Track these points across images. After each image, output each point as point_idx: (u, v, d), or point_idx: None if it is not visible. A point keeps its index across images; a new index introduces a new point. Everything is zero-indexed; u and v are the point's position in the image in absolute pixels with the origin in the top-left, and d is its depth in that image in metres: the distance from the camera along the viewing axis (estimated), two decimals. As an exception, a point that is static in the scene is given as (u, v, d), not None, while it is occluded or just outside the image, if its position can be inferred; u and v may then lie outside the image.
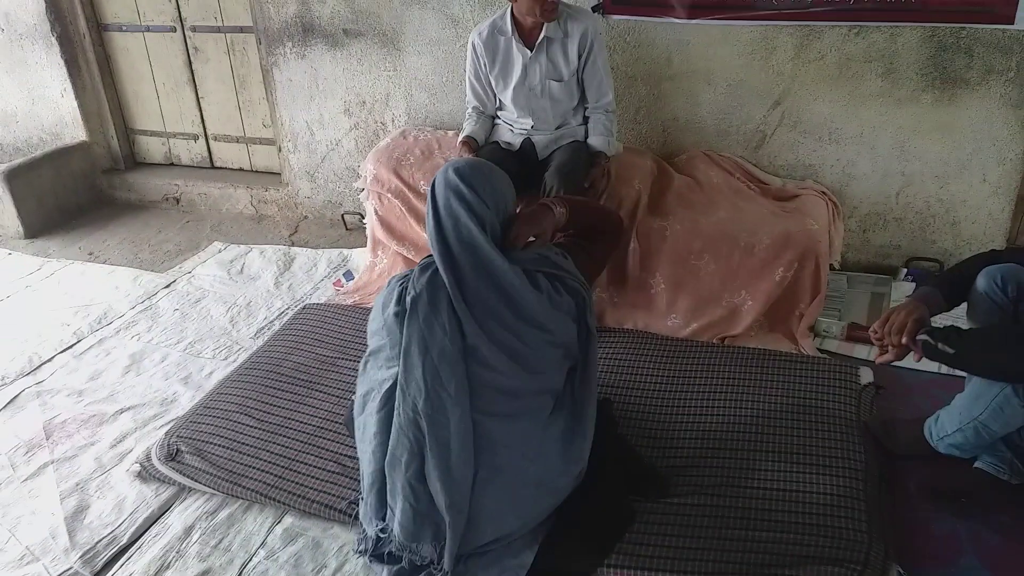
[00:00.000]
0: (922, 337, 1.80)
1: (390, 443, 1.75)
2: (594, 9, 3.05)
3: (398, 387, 1.73)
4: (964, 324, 1.91)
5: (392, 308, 1.76)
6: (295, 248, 3.75)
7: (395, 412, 1.74)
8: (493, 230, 1.77)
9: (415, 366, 1.70)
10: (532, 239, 1.89)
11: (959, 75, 2.78)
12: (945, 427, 1.99)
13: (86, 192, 4.43)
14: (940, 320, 1.89)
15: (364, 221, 3.51)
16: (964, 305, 1.95)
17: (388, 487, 1.77)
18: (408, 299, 1.73)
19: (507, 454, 1.74)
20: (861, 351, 2.64)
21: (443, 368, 1.69)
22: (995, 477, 1.98)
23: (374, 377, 1.82)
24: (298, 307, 3.17)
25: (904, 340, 1.82)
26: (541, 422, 1.79)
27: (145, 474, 2.30)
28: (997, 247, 2.90)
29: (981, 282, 1.88)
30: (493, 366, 1.72)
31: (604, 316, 2.88)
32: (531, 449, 1.77)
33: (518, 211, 1.92)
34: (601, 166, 2.77)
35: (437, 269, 1.74)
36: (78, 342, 3.06)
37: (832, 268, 2.85)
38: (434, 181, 1.78)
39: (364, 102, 3.71)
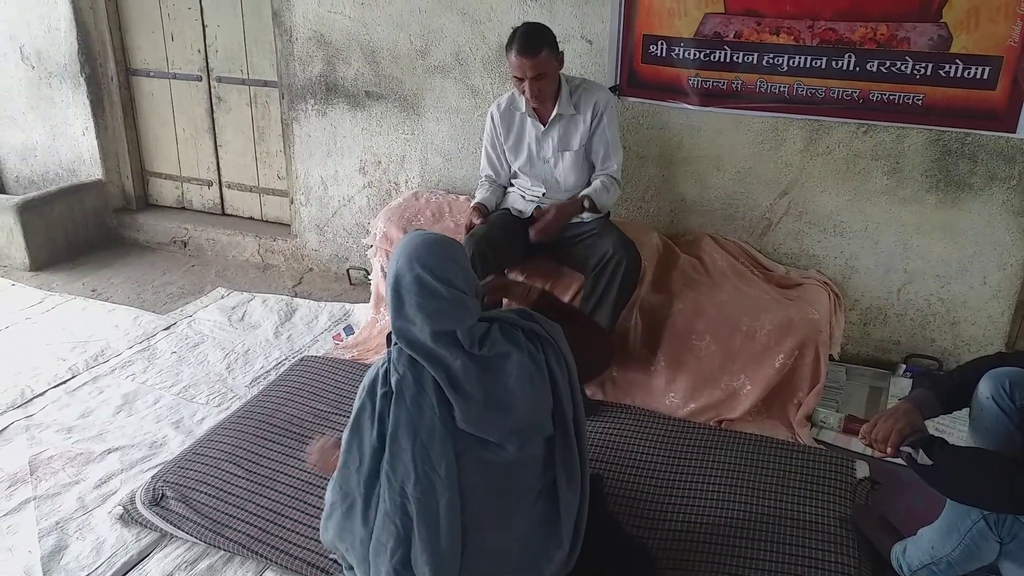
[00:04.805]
0: (905, 450, 1.75)
1: (374, 530, 1.68)
2: (612, 90, 3.14)
3: (383, 473, 1.65)
4: (965, 431, 1.88)
5: (380, 389, 1.67)
6: (298, 299, 3.77)
7: (380, 499, 1.66)
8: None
9: (403, 450, 1.62)
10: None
11: (963, 179, 2.85)
12: (912, 561, 1.92)
13: (96, 230, 4.47)
14: (943, 423, 1.84)
15: (369, 277, 3.54)
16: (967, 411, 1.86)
17: (372, 572, 1.70)
18: (393, 381, 1.64)
19: (493, 533, 1.68)
20: (858, 444, 2.57)
21: (433, 449, 1.62)
22: None
23: (353, 482, 1.72)
24: (296, 358, 3.17)
25: (889, 452, 1.78)
26: (528, 500, 1.72)
27: (127, 517, 2.26)
28: (996, 350, 2.91)
29: (985, 386, 1.79)
30: (485, 442, 1.66)
31: (604, 390, 2.87)
32: (516, 528, 1.71)
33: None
34: (573, 200, 2.78)
35: None
36: (72, 378, 3.04)
37: (832, 359, 2.85)
38: (398, 275, 1.64)
39: (380, 162, 3.79)
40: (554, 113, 2.76)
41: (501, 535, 1.70)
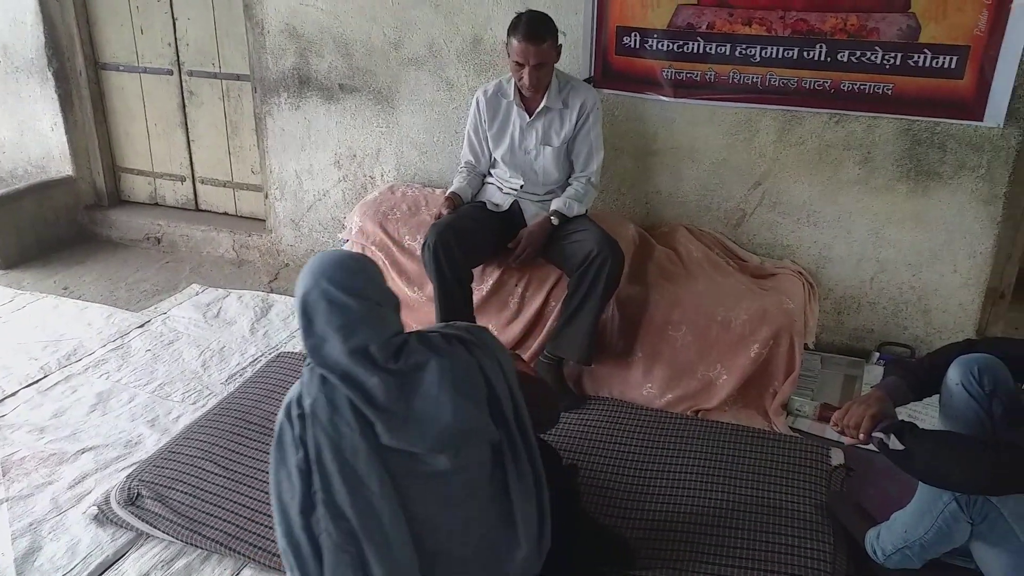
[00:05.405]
0: (877, 435, 1.77)
1: (326, 570, 1.59)
2: (587, 82, 3.14)
3: (320, 504, 1.58)
4: (936, 417, 1.91)
5: (295, 411, 1.60)
6: (274, 295, 3.74)
7: (325, 534, 1.58)
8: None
9: (332, 473, 1.56)
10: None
11: (933, 168, 2.88)
12: (886, 545, 1.94)
13: (67, 227, 4.40)
14: (915, 409, 1.87)
15: (346, 272, 3.51)
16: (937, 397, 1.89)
17: None
18: (306, 405, 1.58)
19: (450, 538, 1.65)
20: (832, 432, 2.62)
21: (359, 466, 1.56)
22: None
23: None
24: (272, 355, 3.15)
25: (861, 438, 1.80)
26: (481, 503, 1.69)
27: (103, 517, 2.23)
28: (967, 337, 2.95)
29: (955, 372, 1.82)
30: (414, 454, 1.61)
31: (581, 382, 2.88)
32: (473, 532, 1.67)
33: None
34: (541, 224, 2.78)
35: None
36: (44, 377, 3.00)
37: (807, 348, 2.88)
38: (305, 292, 1.56)
39: (355, 155, 3.76)
40: (542, 105, 2.76)
41: (459, 539, 1.67)
